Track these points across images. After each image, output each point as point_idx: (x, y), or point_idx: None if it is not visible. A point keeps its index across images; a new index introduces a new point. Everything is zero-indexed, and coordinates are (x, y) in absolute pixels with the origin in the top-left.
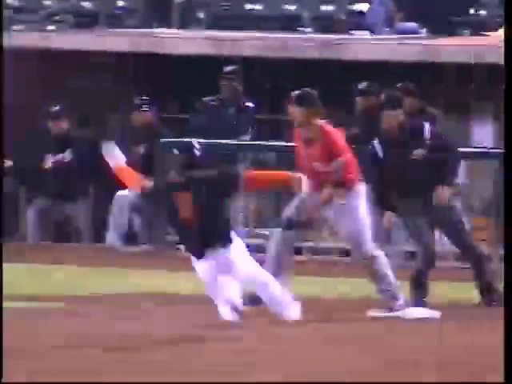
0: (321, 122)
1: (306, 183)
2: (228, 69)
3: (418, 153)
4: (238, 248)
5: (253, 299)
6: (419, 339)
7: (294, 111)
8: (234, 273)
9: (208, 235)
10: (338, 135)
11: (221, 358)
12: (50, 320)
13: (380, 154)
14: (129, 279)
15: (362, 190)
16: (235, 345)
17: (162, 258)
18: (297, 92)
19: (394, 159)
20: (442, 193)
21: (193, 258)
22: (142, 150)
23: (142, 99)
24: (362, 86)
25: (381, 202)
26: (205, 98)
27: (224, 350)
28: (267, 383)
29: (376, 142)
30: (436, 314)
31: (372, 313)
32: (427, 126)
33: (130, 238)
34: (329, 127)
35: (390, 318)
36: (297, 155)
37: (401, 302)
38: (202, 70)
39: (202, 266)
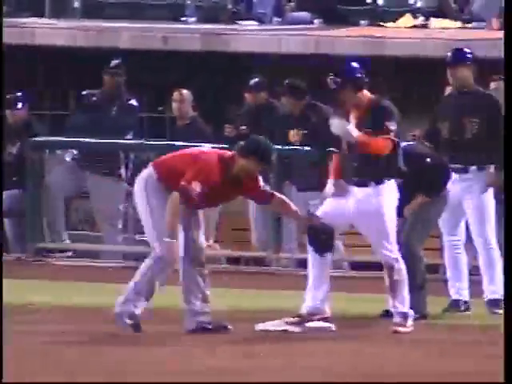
0: None
1: None
2: (113, 63)
3: None
4: None
5: None
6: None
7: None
8: None
9: None
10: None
11: None
12: None
13: None
14: None
15: None
16: None
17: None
18: None
19: None
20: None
21: None
22: (14, 149)
23: (13, 95)
24: (252, 80)
25: None
26: (84, 93)
27: None
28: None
29: None
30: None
31: (260, 327)
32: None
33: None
34: None
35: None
36: None
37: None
38: (78, 63)
39: None
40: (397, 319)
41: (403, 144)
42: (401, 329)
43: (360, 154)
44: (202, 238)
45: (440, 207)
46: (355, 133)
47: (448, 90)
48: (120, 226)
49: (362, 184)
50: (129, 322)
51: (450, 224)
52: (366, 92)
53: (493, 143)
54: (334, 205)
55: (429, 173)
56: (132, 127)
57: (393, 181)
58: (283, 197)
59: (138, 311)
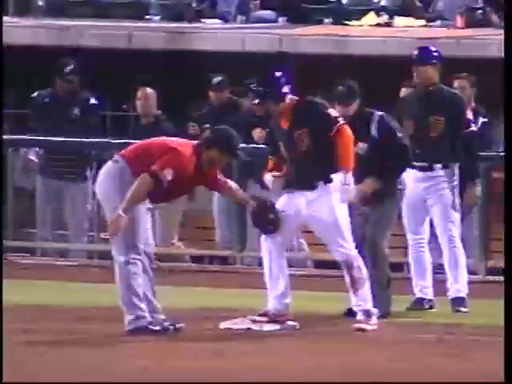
0: None
1: None
2: (67, 68)
3: None
4: None
5: None
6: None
7: None
8: None
9: None
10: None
11: None
12: None
13: None
14: None
15: None
16: None
17: None
18: None
19: None
20: None
21: None
22: None
23: None
24: (215, 78)
25: None
26: (35, 94)
27: None
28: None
29: None
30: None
31: (224, 325)
32: None
33: None
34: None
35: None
36: None
37: None
38: (40, 61)
39: None
40: (360, 317)
41: (379, 113)
42: (365, 326)
43: (305, 159)
44: (149, 233)
45: (397, 203)
46: (352, 183)
47: (404, 90)
48: (86, 225)
49: (310, 187)
50: (157, 328)
51: (414, 223)
52: (288, 97)
53: (457, 142)
54: (286, 207)
55: (395, 150)
56: (95, 126)
57: (340, 175)
58: (234, 184)
59: (149, 317)
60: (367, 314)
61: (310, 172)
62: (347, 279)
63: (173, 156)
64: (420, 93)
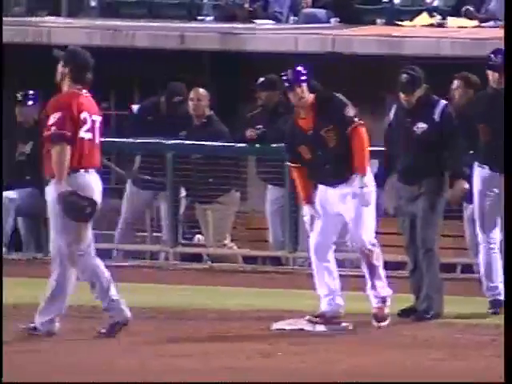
0: None
1: None
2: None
3: None
4: None
5: None
6: None
7: None
8: None
9: None
10: None
11: None
12: None
13: None
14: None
15: None
16: None
17: None
18: None
19: None
20: None
21: None
22: (27, 148)
23: (23, 92)
24: (265, 78)
25: None
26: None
27: None
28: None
29: None
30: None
31: (277, 325)
32: None
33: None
34: None
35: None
36: None
37: None
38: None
39: None
40: (376, 303)
41: (445, 101)
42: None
43: (332, 157)
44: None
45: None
46: (370, 185)
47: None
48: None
49: (337, 183)
50: None
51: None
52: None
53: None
54: (324, 206)
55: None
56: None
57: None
58: None
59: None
60: (383, 300)
61: (340, 167)
62: (365, 268)
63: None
64: (493, 95)
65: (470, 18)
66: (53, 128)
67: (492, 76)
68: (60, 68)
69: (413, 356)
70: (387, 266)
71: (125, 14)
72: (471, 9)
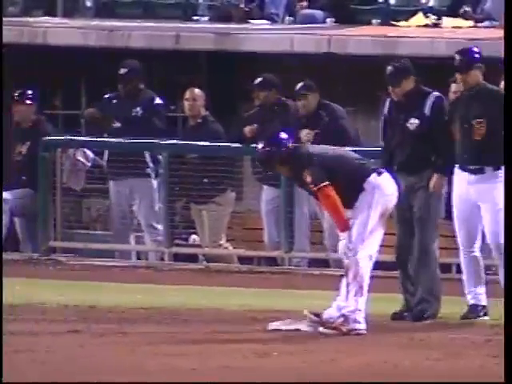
0: None
1: None
2: (122, 70)
3: None
4: None
5: None
6: None
7: None
8: None
9: None
10: None
11: None
12: None
13: None
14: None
15: None
16: None
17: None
18: None
19: None
20: None
21: None
22: (24, 148)
23: (22, 92)
24: (261, 78)
25: None
26: (106, 96)
27: None
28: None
29: None
30: None
31: (273, 326)
32: None
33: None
34: None
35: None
36: None
37: None
38: (89, 62)
39: None
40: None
41: (437, 93)
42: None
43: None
44: None
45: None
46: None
47: (454, 85)
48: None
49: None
50: None
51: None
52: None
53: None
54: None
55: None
56: (159, 126)
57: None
58: None
59: None
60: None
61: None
62: None
63: None
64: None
65: (466, 18)
66: None
67: (458, 77)
68: None
69: (410, 356)
70: (387, 266)
71: (120, 14)
72: (468, 9)
